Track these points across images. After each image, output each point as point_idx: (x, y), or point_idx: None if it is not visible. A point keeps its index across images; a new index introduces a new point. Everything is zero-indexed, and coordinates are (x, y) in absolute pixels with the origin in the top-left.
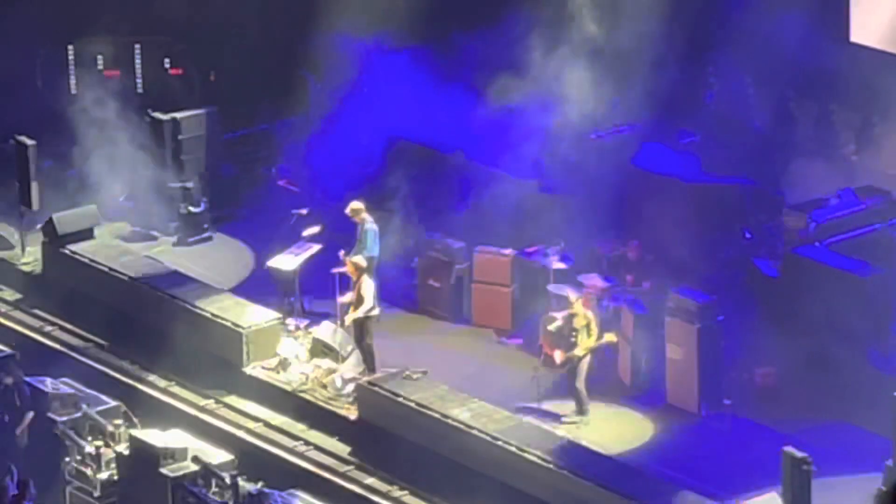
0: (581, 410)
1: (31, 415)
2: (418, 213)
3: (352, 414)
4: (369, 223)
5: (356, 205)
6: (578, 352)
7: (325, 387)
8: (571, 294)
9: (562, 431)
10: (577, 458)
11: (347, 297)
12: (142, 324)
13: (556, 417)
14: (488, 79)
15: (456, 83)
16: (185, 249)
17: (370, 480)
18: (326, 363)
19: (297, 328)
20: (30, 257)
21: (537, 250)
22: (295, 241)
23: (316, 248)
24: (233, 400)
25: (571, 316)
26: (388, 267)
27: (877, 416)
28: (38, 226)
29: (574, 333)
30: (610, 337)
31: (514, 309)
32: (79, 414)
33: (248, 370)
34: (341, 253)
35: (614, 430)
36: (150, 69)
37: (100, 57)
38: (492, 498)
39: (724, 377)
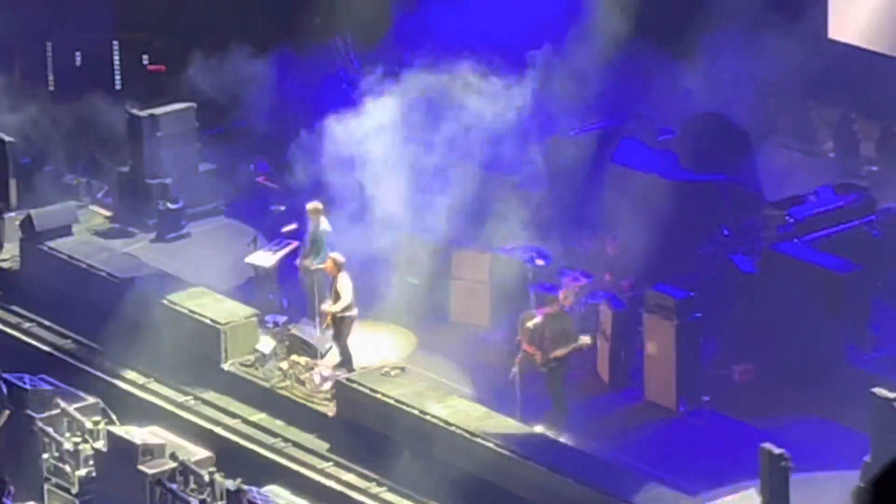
0: (558, 409)
1: (6, 412)
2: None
3: (330, 410)
4: (325, 224)
5: (317, 204)
6: (559, 352)
7: (303, 383)
8: (560, 293)
9: (540, 428)
10: (555, 454)
11: (328, 304)
12: (120, 320)
13: (534, 415)
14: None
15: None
16: (163, 246)
17: (348, 476)
18: (304, 360)
19: (276, 324)
20: (7, 254)
21: (517, 248)
22: (273, 237)
23: (294, 244)
24: (211, 396)
25: (552, 315)
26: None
27: (855, 412)
28: (16, 222)
29: (555, 333)
30: (585, 340)
31: (493, 306)
32: (57, 411)
33: (226, 366)
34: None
35: (592, 426)
36: (129, 65)
37: (78, 53)
38: (470, 494)
39: (702, 374)
